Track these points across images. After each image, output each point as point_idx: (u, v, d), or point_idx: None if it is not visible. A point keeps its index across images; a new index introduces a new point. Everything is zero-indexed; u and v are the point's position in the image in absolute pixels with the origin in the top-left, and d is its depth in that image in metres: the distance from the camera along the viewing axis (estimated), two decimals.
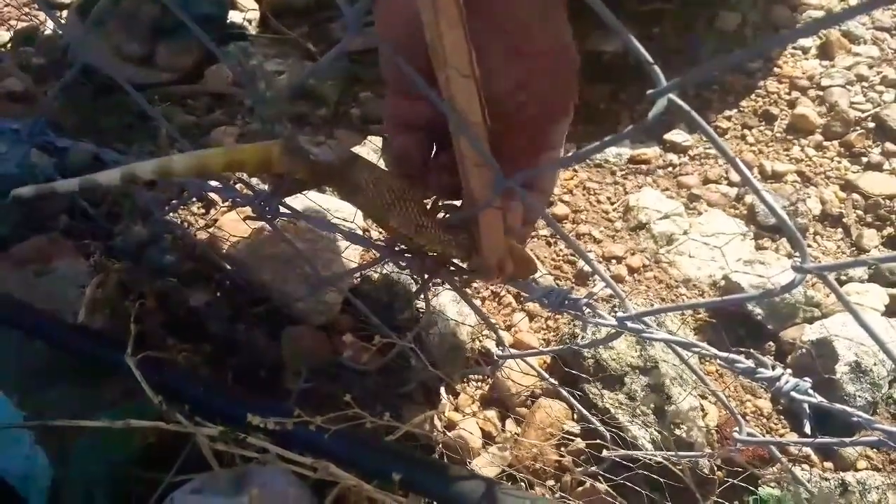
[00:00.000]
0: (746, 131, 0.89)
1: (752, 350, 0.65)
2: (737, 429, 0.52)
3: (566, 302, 0.46)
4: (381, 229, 0.45)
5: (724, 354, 0.43)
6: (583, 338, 0.62)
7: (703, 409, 0.61)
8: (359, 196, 0.39)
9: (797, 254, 0.71)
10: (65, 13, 1.04)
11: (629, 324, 0.46)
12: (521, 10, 0.35)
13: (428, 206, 0.43)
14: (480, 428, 0.62)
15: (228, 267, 0.68)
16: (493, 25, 0.35)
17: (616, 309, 0.64)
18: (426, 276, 0.50)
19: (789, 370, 0.44)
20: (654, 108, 0.32)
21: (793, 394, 0.44)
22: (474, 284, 0.71)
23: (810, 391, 0.44)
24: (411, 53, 0.34)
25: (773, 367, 0.44)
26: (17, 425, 0.58)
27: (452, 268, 0.46)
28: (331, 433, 0.44)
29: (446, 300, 0.66)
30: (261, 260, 0.67)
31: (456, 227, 0.42)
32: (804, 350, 0.63)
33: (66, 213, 0.74)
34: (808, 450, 0.61)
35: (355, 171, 0.39)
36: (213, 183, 0.54)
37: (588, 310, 0.46)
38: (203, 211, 0.75)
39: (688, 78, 0.30)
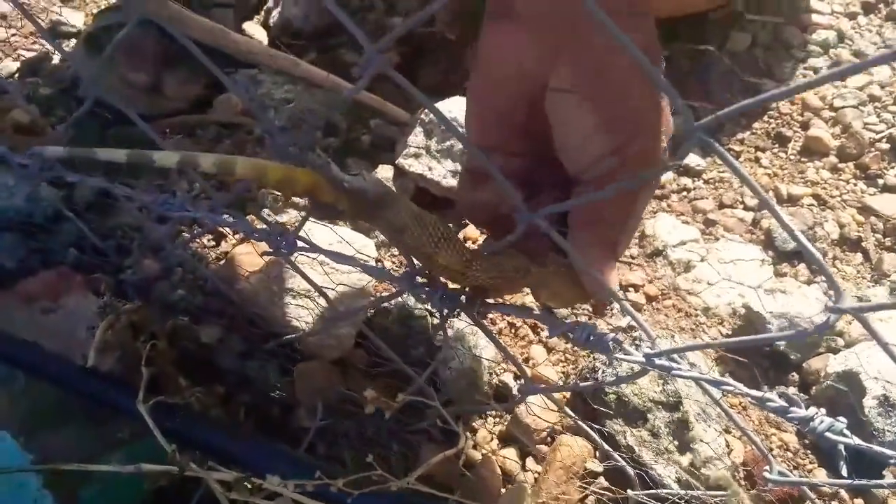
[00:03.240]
0: (760, 154, 0.88)
1: (784, 389, 0.64)
2: (767, 468, 0.50)
3: (591, 338, 0.45)
4: (429, 269, 0.44)
5: (758, 394, 0.42)
6: (603, 372, 0.61)
7: (728, 445, 0.60)
8: (405, 234, 0.38)
9: (829, 290, 0.69)
10: (72, 42, 1.03)
11: (657, 361, 0.45)
12: (620, 79, 0.33)
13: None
14: (500, 466, 0.60)
15: (240, 301, 0.66)
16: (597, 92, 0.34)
17: (637, 341, 0.63)
18: (446, 311, 0.49)
19: (823, 409, 0.43)
20: (685, 147, 0.31)
21: (828, 434, 0.42)
22: (489, 316, 0.70)
23: (846, 431, 0.42)
24: (507, 108, 0.36)
25: (807, 407, 0.43)
26: (24, 469, 0.57)
27: (491, 300, 0.45)
28: (354, 497, 0.43)
29: (463, 333, 0.65)
30: (273, 294, 0.65)
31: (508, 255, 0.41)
32: (829, 382, 0.62)
33: (75, 246, 0.73)
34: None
35: (395, 207, 0.38)
36: (228, 218, 0.53)
37: (614, 345, 0.45)
38: (213, 243, 0.74)
39: (719, 117, 0.29)
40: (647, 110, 0.33)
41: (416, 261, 0.44)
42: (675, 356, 0.45)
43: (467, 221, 0.76)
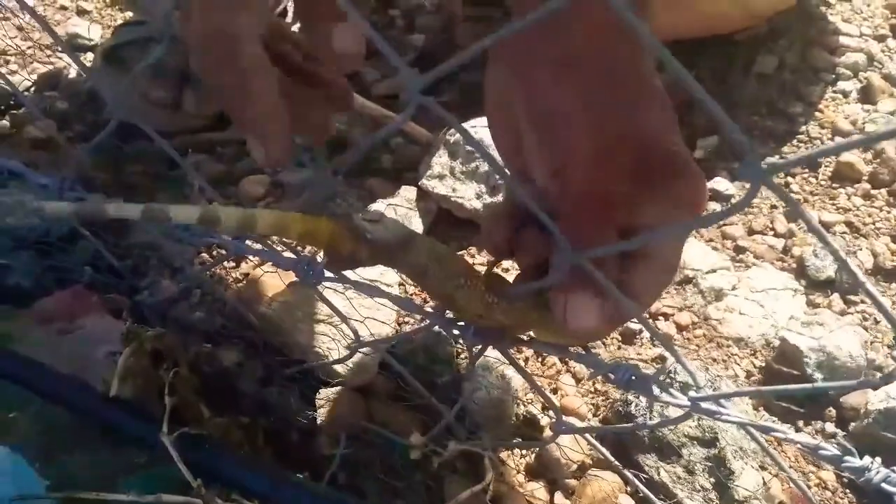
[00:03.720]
0: (790, 178, 0.86)
1: (822, 425, 0.62)
2: None
3: (633, 379, 0.43)
4: (447, 309, 0.42)
5: (813, 442, 0.40)
6: (636, 405, 0.59)
7: (765, 483, 0.58)
8: (425, 277, 0.36)
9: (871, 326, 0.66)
10: (88, 55, 1.02)
11: (703, 405, 0.43)
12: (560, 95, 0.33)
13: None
14: (528, 500, 0.58)
15: (261, 326, 0.65)
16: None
17: (671, 375, 0.61)
18: (479, 348, 0.47)
19: (878, 458, 0.41)
20: (751, 189, 0.30)
21: (884, 485, 0.40)
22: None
23: None
24: (509, 138, 0.37)
25: (862, 456, 0.41)
26: (40, 496, 0.55)
27: (525, 336, 0.44)
28: None
29: (490, 363, 0.63)
30: (295, 320, 0.64)
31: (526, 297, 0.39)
32: (871, 420, 0.59)
33: (90, 265, 0.72)
34: None
35: (415, 251, 0.37)
36: (256, 245, 0.51)
37: (659, 389, 0.43)
38: (233, 264, 0.72)
39: (788, 164, 0.28)
40: (578, 139, 0.33)
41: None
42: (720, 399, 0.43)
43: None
